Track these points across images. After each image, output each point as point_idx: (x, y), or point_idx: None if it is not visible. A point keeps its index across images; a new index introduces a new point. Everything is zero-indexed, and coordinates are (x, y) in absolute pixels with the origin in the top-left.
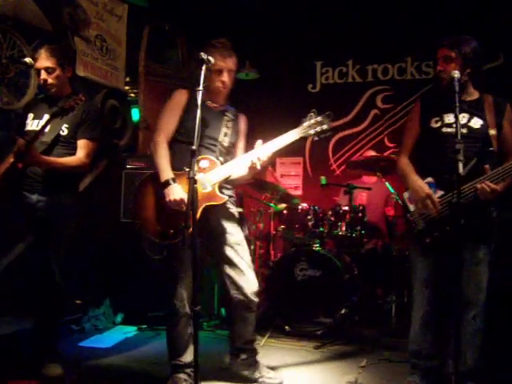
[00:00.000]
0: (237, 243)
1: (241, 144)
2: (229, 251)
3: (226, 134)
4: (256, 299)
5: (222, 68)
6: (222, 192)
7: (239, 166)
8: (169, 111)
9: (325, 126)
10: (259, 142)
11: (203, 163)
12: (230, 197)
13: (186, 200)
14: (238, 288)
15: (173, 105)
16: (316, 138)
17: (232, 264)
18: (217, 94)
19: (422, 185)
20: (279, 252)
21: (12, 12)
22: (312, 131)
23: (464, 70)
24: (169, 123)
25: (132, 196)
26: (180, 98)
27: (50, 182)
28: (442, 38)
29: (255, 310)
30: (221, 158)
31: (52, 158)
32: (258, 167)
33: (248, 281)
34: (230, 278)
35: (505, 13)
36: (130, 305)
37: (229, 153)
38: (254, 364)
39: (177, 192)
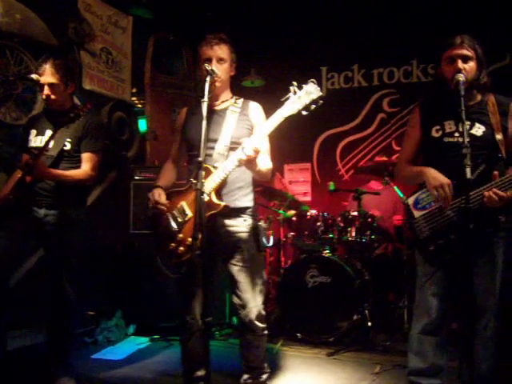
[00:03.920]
0: (243, 260)
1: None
2: (234, 268)
3: (227, 133)
4: (260, 324)
5: (209, 56)
6: (220, 199)
7: (230, 167)
8: (173, 137)
9: (313, 95)
10: (244, 139)
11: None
12: (246, 208)
13: (160, 200)
14: (241, 307)
15: (174, 130)
16: (305, 112)
17: (236, 282)
18: (213, 90)
19: (440, 173)
20: (289, 259)
21: (18, 29)
22: (299, 105)
23: (481, 71)
24: (172, 148)
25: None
26: (178, 120)
27: (58, 196)
28: (451, 37)
29: (260, 335)
30: (218, 163)
31: (59, 171)
32: (251, 159)
33: (250, 302)
34: (235, 294)
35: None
36: (141, 316)
37: (235, 149)
38: None
39: (153, 193)
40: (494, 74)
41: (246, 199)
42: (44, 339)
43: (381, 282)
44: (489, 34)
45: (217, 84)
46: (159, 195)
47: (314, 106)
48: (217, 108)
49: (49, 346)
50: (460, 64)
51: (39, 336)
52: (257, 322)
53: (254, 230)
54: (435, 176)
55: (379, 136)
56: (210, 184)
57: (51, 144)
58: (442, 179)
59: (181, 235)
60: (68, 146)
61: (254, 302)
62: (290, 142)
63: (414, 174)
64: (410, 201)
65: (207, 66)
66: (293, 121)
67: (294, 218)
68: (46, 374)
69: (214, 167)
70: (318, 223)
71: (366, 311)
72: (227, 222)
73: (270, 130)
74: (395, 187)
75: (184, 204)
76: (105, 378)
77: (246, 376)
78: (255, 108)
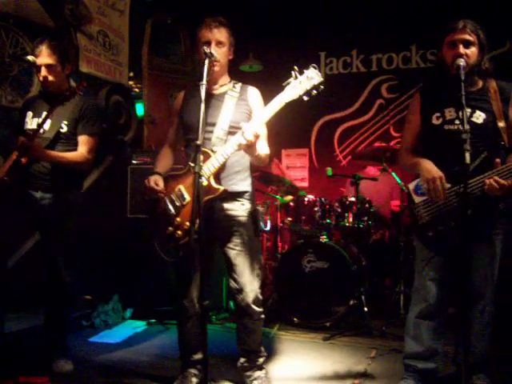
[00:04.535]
0: (241, 244)
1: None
2: (231, 252)
3: (226, 117)
4: (257, 308)
5: (208, 40)
6: (219, 183)
7: (229, 151)
8: (169, 121)
9: (314, 81)
10: (243, 123)
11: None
12: (244, 192)
13: (157, 188)
14: (238, 291)
15: (171, 113)
16: (306, 98)
17: (233, 265)
18: (211, 74)
19: (434, 167)
20: (286, 244)
21: (13, 10)
22: (300, 90)
23: (483, 56)
24: (169, 132)
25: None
26: (175, 103)
27: (54, 179)
28: (453, 21)
29: (257, 319)
30: (216, 147)
31: (55, 152)
32: (250, 143)
33: (247, 286)
34: (232, 278)
35: None
36: (138, 300)
37: (233, 133)
38: (251, 370)
39: (149, 180)
40: (493, 60)
41: (244, 183)
42: (41, 322)
43: (377, 268)
44: (489, 20)
45: (215, 68)
46: (155, 181)
47: (315, 92)
48: (215, 92)
49: (46, 329)
50: (461, 49)
51: (36, 319)
52: (254, 306)
53: (252, 215)
54: (429, 169)
55: (377, 122)
56: (209, 168)
57: (48, 126)
58: (435, 173)
59: (178, 219)
60: (64, 129)
61: (250, 286)
62: (288, 127)
63: (411, 164)
64: (411, 186)
65: (206, 49)
66: (291, 106)
67: (291, 204)
68: (44, 357)
69: (212, 151)
70: (316, 209)
71: (363, 296)
72: (225, 205)
73: (270, 115)
74: (393, 173)
75: (182, 188)
76: (102, 361)
77: (242, 359)
78: (254, 93)
